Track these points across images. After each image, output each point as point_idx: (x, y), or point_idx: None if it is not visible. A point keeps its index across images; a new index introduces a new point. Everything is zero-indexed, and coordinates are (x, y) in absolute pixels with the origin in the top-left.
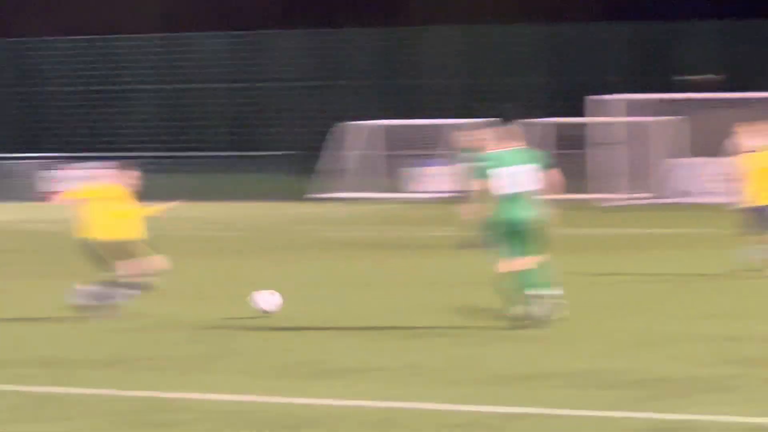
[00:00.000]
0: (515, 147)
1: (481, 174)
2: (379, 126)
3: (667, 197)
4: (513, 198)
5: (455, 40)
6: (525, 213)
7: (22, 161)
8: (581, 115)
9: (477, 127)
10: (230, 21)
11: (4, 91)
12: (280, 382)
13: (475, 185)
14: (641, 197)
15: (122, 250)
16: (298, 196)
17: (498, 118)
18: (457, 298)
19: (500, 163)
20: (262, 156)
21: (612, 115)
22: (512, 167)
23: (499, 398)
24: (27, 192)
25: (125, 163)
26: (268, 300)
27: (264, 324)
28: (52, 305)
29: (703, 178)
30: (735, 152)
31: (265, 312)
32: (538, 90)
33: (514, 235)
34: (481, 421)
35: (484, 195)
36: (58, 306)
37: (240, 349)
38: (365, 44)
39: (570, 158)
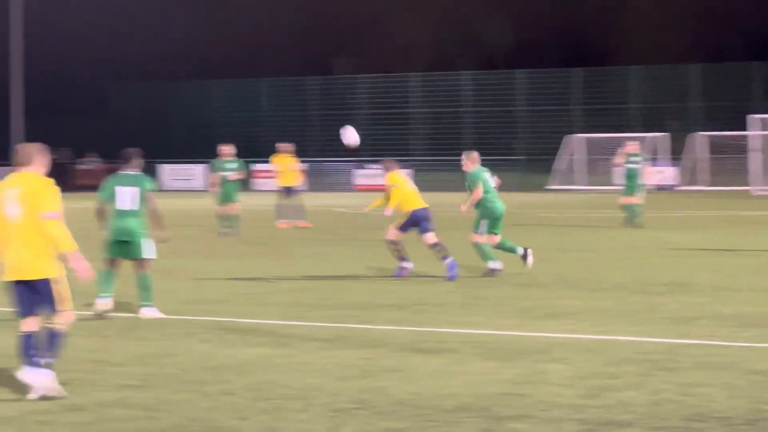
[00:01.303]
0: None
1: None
2: (594, 137)
3: None
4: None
5: (643, 76)
6: None
7: (338, 162)
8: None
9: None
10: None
11: (323, 114)
12: (522, 321)
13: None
14: None
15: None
16: (539, 188)
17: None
18: (643, 262)
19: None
20: (513, 159)
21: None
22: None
23: (678, 335)
24: (341, 185)
25: (396, 164)
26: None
27: (506, 280)
28: (356, 265)
29: None
30: None
31: (348, 145)
32: (704, 111)
33: None
34: (676, 350)
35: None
36: (358, 266)
37: (488, 297)
38: (581, 79)
39: (733, 161)
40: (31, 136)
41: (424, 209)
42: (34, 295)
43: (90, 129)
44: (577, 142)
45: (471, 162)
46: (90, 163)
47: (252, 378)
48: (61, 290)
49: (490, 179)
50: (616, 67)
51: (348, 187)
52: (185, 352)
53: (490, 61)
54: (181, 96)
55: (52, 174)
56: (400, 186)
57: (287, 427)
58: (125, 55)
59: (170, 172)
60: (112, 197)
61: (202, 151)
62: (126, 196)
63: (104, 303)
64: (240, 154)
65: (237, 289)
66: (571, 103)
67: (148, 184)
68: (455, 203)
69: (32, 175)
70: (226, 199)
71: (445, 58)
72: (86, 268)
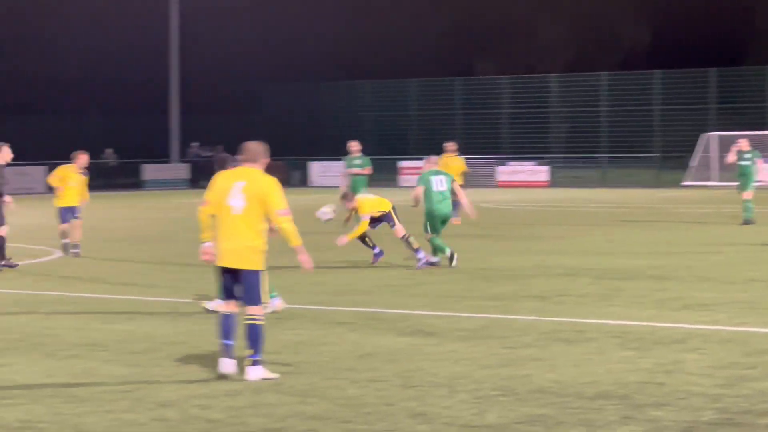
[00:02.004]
0: None
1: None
2: (729, 135)
3: None
4: None
5: None
6: None
7: (481, 159)
8: None
9: None
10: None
11: (466, 113)
12: (659, 312)
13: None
14: None
15: None
16: (675, 184)
17: None
18: None
19: None
20: (649, 157)
21: None
22: None
23: None
24: (484, 182)
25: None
26: (325, 212)
27: (642, 272)
28: (499, 258)
29: None
30: None
31: (325, 220)
32: None
33: None
34: None
35: None
36: (501, 259)
37: (626, 288)
38: (717, 79)
39: None
40: (188, 134)
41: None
42: (240, 284)
43: (244, 127)
44: (712, 140)
45: (428, 165)
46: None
47: (400, 366)
48: (261, 284)
49: (440, 183)
50: (753, 67)
51: (491, 183)
52: (336, 340)
53: (628, 61)
54: (331, 96)
55: (207, 171)
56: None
57: (433, 412)
58: (279, 57)
59: (319, 169)
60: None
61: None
62: None
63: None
64: (387, 152)
65: (385, 280)
66: (708, 102)
67: None
68: (591, 199)
69: (257, 172)
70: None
71: (584, 58)
72: (309, 261)
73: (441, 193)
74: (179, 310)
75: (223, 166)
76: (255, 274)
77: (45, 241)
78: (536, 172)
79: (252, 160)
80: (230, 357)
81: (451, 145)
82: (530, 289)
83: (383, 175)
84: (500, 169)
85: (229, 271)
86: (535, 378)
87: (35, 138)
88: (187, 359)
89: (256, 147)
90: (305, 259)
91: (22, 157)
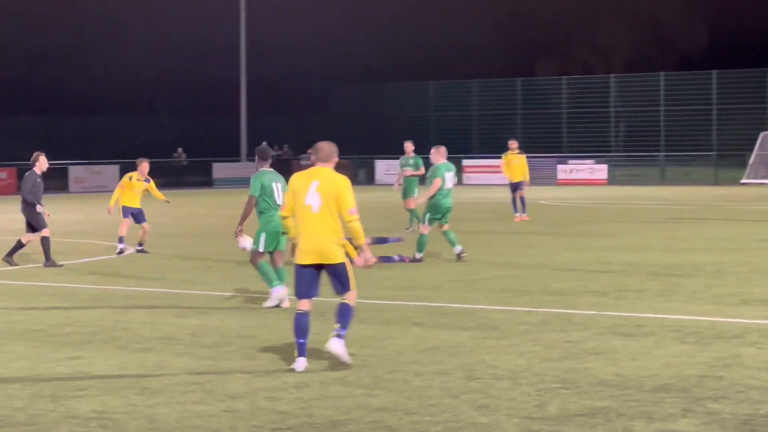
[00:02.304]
0: None
1: None
2: None
3: None
4: None
5: None
6: None
7: (542, 158)
8: None
9: None
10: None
11: (526, 113)
12: (717, 307)
13: None
14: None
15: None
16: (733, 182)
17: None
18: None
19: None
20: (707, 155)
21: None
22: None
23: None
24: (545, 180)
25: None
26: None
27: (700, 268)
28: (560, 254)
29: None
30: None
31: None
32: None
33: None
34: None
35: None
36: (562, 255)
37: (684, 284)
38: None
39: None
40: (257, 134)
41: None
42: (332, 276)
43: (311, 127)
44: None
45: (440, 156)
46: (310, 159)
47: (463, 359)
48: (350, 272)
49: (451, 179)
50: None
51: (552, 181)
52: (401, 334)
53: (686, 61)
54: (397, 96)
55: (274, 169)
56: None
57: (496, 404)
58: (345, 58)
59: (384, 167)
60: (268, 192)
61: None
62: (282, 190)
63: (280, 291)
64: (450, 151)
65: (447, 276)
66: (765, 101)
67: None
68: (649, 196)
69: (331, 172)
70: (404, 194)
71: (643, 58)
72: (371, 259)
73: (449, 189)
74: (248, 305)
75: (264, 158)
76: (341, 265)
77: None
78: (595, 170)
79: (324, 159)
80: (304, 355)
81: (514, 144)
82: (590, 284)
83: None
84: (560, 167)
85: (313, 267)
86: (595, 371)
87: (109, 137)
88: (256, 352)
89: (328, 147)
90: (369, 257)
91: (95, 156)
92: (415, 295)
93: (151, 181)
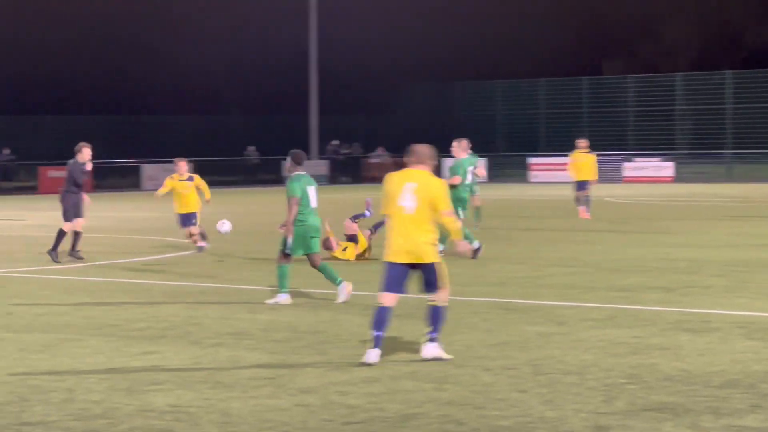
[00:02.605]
0: None
1: None
2: None
3: None
4: None
5: None
6: None
7: (607, 156)
8: None
9: None
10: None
11: (593, 111)
12: None
13: None
14: None
15: None
16: None
17: None
18: None
19: None
20: None
21: None
22: None
23: None
24: (610, 177)
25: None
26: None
27: (766, 264)
28: (626, 251)
29: None
30: None
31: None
32: None
33: None
34: None
35: None
36: (627, 252)
37: (751, 281)
38: None
39: None
40: (326, 132)
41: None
42: (424, 276)
43: (379, 126)
44: None
45: (461, 150)
46: (378, 157)
47: (531, 354)
48: (441, 272)
49: (471, 174)
50: None
51: (617, 178)
52: (468, 329)
53: (752, 60)
54: (464, 95)
55: (342, 167)
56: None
57: (564, 399)
58: (414, 58)
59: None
60: (303, 196)
61: (481, 148)
62: (315, 194)
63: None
64: (517, 149)
65: (513, 273)
66: None
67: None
68: (716, 194)
69: (426, 174)
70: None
71: (709, 57)
72: (468, 246)
73: (469, 182)
74: (319, 301)
75: (299, 162)
76: (434, 265)
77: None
78: (661, 167)
79: (420, 162)
80: (378, 348)
81: (583, 142)
82: (656, 280)
83: (514, 172)
84: (626, 164)
85: (405, 266)
86: (662, 366)
87: (181, 136)
88: (327, 347)
89: (424, 150)
90: (466, 246)
91: (170, 154)
92: (482, 291)
93: (197, 178)
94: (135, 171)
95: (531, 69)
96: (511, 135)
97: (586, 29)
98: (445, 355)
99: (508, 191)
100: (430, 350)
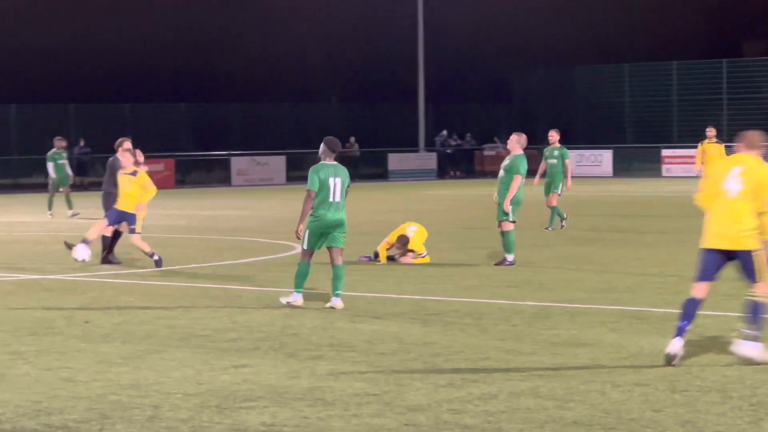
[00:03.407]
0: None
1: None
2: None
3: None
4: None
5: None
6: None
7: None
8: None
9: None
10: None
11: (731, 97)
12: None
13: None
14: None
15: None
16: None
17: None
18: None
19: None
20: None
21: None
22: None
23: None
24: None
25: None
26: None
27: None
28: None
29: None
30: None
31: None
32: None
33: None
34: None
35: None
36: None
37: None
38: None
39: None
40: (435, 122)
41: None
42: (740, 264)
43: (493, 115)
44: None
45: (520, 146)
46: (493, 149)
47: (666, 369)
48: (760, 263)
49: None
50: None
51: None
52: (596, 341)
53: None
54: (585, 81)
55: (453, 160)
56: None
57: (705, 420)
58: (528, 41)
59: (575, 158)
60: (324, 187)
61: (606, 137)
62: (340, 188)
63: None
64: (648, 140)
65: (647, 278)
66: None
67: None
68: None
69: (756, 160)
70: (548, 188)
71: None
72: None
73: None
74: (427, 309)
75: (333, 149)
76: (749, 253)
77: (284, 236)
78: None
79: (751, 147)
80: (680, 336)
81: (712, 131)
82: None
83: (645, 165)
84: None
85: (718, 252)
86: None
87: (274, 126)
88: (438, 361)
89: (755, 135)
90: None
91: (260, 146)
92: (610, 298)
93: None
94: (224, 165)
95: (661, 51)
96: (641, 124)
97: (725, 6)
98: (759, 359)
99: (640, 187)
100: (743, 348)
